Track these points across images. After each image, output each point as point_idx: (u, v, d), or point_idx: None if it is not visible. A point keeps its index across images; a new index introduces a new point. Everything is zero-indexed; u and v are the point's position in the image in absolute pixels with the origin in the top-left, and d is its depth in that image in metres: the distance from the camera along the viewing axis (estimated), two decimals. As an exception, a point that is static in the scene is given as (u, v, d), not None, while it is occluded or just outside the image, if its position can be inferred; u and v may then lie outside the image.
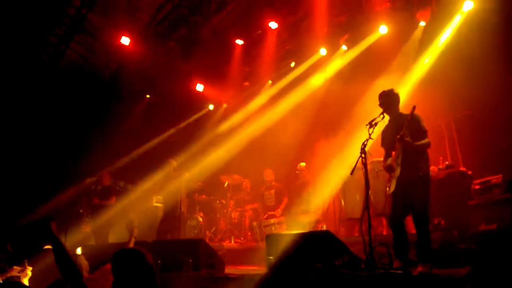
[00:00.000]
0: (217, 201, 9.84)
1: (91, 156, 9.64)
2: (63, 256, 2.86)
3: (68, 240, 8.68)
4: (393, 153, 5.05)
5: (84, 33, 9.74)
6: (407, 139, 4.80)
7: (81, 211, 9.12)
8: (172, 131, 11.04)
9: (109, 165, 9.59)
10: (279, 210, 8.81)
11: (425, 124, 5.04)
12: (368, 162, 6.90)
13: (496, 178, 5.95)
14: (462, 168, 6.89)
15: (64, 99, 9.84)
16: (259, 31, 10.03)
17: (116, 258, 2.55)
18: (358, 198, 7.26)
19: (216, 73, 10.84)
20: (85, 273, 3.80)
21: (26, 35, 8.93)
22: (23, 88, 9.28)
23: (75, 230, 8.97)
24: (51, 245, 2.92)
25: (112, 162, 9.85)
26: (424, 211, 4.81)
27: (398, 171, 4.90)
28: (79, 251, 7.50)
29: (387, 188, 5.06)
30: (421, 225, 4.81)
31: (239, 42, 10.21)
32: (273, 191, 9.11)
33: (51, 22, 9.19)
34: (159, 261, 5.12)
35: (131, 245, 4.60)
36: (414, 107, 4.89)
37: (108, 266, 4.14)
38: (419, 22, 8.32)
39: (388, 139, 5.17)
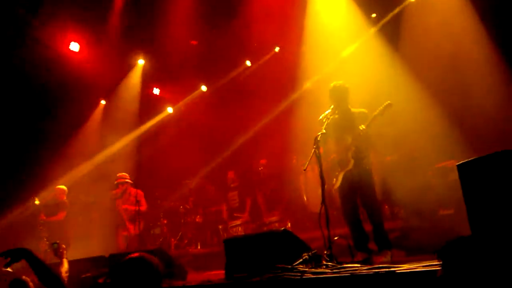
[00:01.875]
0: (181, 207, 9.61)
1: (44, 169, 9.24)
2: (40, 267, 2.75)
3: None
4: (341, 146, 5.04)
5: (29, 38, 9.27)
6: (367, 135, 4.82)
7: (40, 228, 8.75)
8: (130, 136, 10.71)
9: (63, 177, 9.21)
10: (246, 214, 8.67)
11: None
12: (301, 163, 6.95)
13: (450, 163, 6.04)
14: (417, 155, 6.96)
15: (10, 108, 9.33)
16: (214, 30, 9.87)
17: (123, 266, 2.33)
18: (319, 192, 7.20)
19: (172, 74, 10.60)
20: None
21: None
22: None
23: (34, 248, 8.61)
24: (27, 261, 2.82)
25: (67, 173, 9.45)
26: (375, 201, 4.96)
27: (351, 164, 4.91)
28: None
29: (334, 180, 5.05)
30: (375, 215, 4.89)
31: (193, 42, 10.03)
32: (236, 192, 8.96)
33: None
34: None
35: (66, 265, 4.37)
36: (389, 104, 4.80)
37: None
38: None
39: (336, 133, 5.11)
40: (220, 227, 8.77)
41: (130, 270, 2.36)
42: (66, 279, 4.77)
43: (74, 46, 9.19)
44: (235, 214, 8.74)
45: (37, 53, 9.18)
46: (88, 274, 5.38)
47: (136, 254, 2.48)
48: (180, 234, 9.45)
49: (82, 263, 5.70)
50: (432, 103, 7.36)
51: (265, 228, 8.04)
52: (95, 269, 5.45)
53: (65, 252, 5.46)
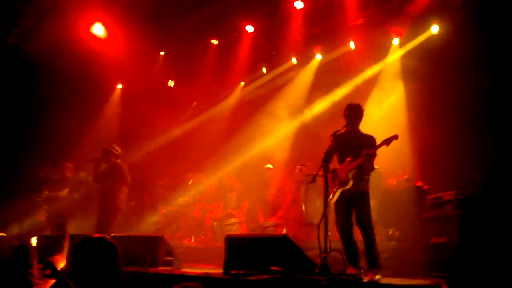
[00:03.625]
0: (180, 198, 9.81)
1: (53, 145, 9.48)
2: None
3: (23, 229, 8.54)
4: (343, 165, 5.22)
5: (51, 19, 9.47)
6: (371, 160, 5.00)
7: (38, 200, 8.97)
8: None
9: (71, 156, 9.43)
10: (241, 214, 8.87)
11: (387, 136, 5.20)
12: (304, 174, 7.20)
13: (449, 195, 6.22)
14: (418, 183, 7.18)
15: (29, 86, 9.57)
16: (235, 33, 10.11)
17: (83, 246, 2.47)
18: (318, 204, 7.43)
19: (189, 69, 10.82)
20: (35, 263, 3.75)
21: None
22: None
23: (30, 219, 8.83)
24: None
25: (74, 153, 9.67)
26: (369, 222, 5.10)
27: (350, 184, 5.09)
28: (34, 241, 7.38)
29: (330, 196, 5.19)
30: (368, 235, 5.07)
31: (214, 42, 10.27)
32: (234, 193, 9.17)
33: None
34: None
35: (67, 242, 4.55)
36: (396, 136, 4.99)
37: (57, 256, 4.14)
38: (392, 39, 8.64)
39: (341, 149, 5.28)
40: (215, 223, 8.95)
41: (90, 250, 2.48)
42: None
43: (97, 29, 9.41)
44: (230, 211, 8.95)
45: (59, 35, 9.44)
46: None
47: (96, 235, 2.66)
48: (175, 225, 9.64)
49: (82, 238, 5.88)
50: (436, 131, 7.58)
51: (260, 231, 8.24)
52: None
53: (66, 225, 5.66)
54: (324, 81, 9.38)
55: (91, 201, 9.72)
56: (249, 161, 9.46)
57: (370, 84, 8.74)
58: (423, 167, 7.88)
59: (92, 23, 9.36)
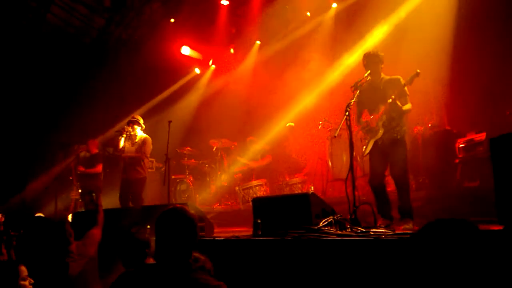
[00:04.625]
0: (207, 165, 9.87)
1: (80, 123, 9.61)
2: None
3: (58, 207, 8.80)
4: (374, 114, 5.08)
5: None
6: (398, 103, 4.83)
7: (70, 178, 9.19)
8: (159, 97, 10.94)
9: (98, 132, 9.55)
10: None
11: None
12: (327, 129, 7.02)
13: (479, 136, 6.02)
14: (447, 127, 6.95)
15: (47, 65, 9.62)
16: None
17: (163, 217, 2.51)
18: (345, 159, 7.34)
19: (202, 34, 10.62)
20: (72, 240, 3.83)
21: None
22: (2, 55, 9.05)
23: (65, 197, 9.09)
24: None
25: (101, 129, 9.80)
26: (403, 171, 4.92)
27: (381, 132, 4.96)
28: (69, 218, 7.61)
29: (363, 148, 5.11)
30: (401, 184, 4.92)
31: (224, 2, 9.99)
32: (259, 155, 9.14)
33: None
34: (148, 226, 5.18)
35: (101, 215, 4.59)
36: (418, 73, 4.76)
37: (94, 231, 4.21)
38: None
39: (368, 100, 5.16)
40: (236, 188, 8.93)
41: (173, 220, 2.53)
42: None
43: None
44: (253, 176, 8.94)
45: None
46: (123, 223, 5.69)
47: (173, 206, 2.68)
48: (205, 192, 9.73)
49: (115, 212, 6.02)
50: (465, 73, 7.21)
51: (287, 189, 8.21)
52: (129, 218, 5.75)
53: (99, 198, 5.76)
54: (349, 30, 8.94)
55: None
56: (275, 120, 9.32)
57: (403, 26, 8.24)
58: (449, 112, 7.61)
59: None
